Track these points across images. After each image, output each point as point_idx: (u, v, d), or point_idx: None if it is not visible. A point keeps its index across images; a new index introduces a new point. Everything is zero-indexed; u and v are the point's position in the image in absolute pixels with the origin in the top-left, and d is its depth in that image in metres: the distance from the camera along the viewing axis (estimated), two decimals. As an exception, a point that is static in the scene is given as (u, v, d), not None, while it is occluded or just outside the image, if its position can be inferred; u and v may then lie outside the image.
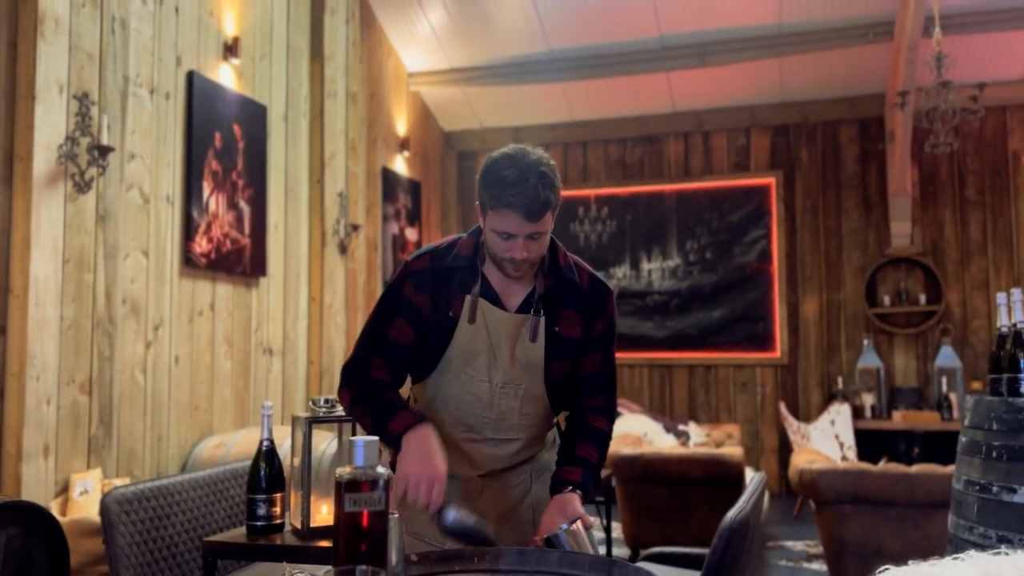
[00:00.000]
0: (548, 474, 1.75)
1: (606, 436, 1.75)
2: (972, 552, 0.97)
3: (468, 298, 1.68)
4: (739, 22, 5.32)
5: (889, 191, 5.72)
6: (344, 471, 1.02)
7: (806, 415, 5.85)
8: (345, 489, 1.00)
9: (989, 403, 2.10)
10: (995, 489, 2.02)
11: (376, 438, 1.09)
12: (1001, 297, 2.27)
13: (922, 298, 5.74)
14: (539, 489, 1.75)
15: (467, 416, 1.69)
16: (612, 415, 1.79)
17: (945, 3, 4.69)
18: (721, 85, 5.86)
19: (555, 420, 1.83)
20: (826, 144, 6.03)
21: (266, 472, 1.92)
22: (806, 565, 3.99)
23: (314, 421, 1.93)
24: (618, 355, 6.81)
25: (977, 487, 2.06)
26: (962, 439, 2.19)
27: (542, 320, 1.69)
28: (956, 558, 0.97)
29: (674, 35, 5.48)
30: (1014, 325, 2.16)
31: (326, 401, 1.99)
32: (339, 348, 4.75)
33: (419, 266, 1.72)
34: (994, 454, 2.03)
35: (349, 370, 1.70)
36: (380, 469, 1.03)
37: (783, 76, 5.76)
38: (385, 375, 1.70)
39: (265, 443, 1.96)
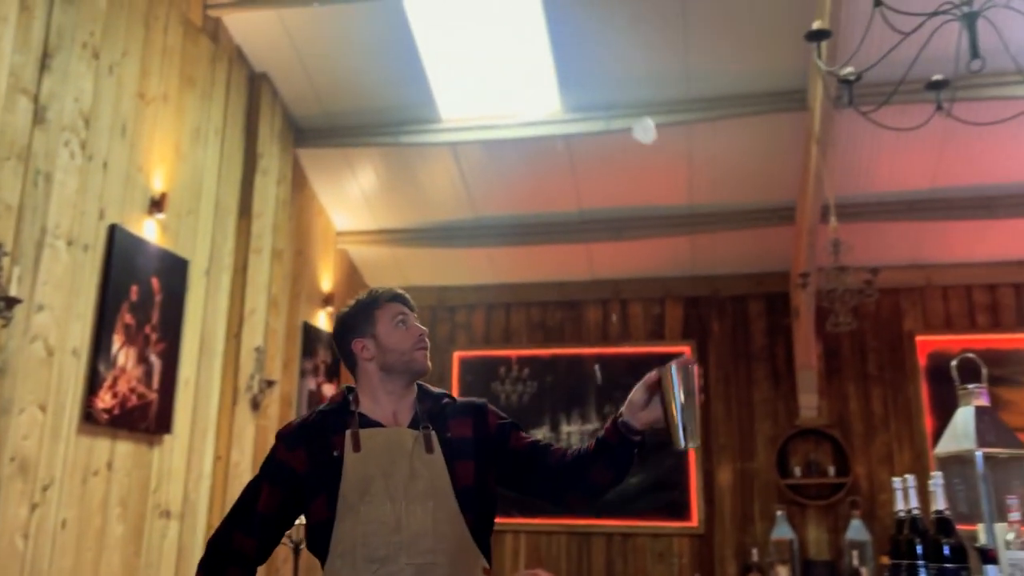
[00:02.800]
0: None
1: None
2: None
3: (348, 431, 1.70)
4: (653, 201, 5.65)
5: (796, 364, 5.96)
6: None
7: (723, 588, 5.76)
8: None
9: (890, 590, 2.13)
10: None
11: None
12: (897, 482, 2.34)
13: (831, 470, 5.86)
14: None
15: (376, 549, 1.61)
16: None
17: (840, 193, 5.09)
18: (637, 257, 6.14)
19: (484, 565, 1.73)
20: (736, 317, 6.30)
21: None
22: None
23: (203, 604, 1.81)
24: (534, 521, 6.60)
25: None
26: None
27: (433, 432, 1.73)
28: None
29: (593, 210, 5.77)
30: (910, 511, 2.23)
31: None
32: (243, 510, 4.52)
33: (287, 429, 1.81)
34: (898, 644, 2.03)
35: (210, 546, 1.71)
36: None
37: (694, 252, 6.07)
38: (243, 549, 1.70)
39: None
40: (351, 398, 1.82)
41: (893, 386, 5.96)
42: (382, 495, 1.64)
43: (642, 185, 5.53)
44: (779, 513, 5.77)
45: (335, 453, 1.69)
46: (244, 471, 4.54)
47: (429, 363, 1.85)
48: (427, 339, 1.85)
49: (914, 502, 2.20)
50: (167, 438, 4.03)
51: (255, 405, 4.67)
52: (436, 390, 1.89)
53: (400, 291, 1.90)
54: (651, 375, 1.67)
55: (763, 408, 6.10)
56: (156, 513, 3.95)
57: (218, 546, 1.74)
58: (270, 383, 4.80)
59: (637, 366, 6.54)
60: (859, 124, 4.79)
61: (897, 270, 5.88)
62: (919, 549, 2.15)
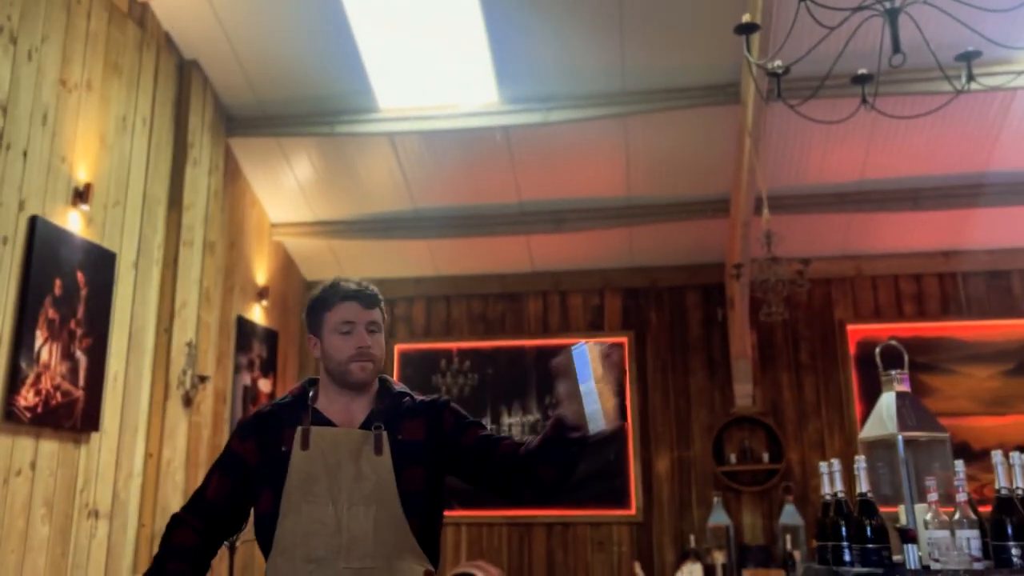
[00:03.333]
0: None
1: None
2: None
3: (299, 428, 1.69)
4: (592, 193, 5.69)
5: (731, 354, 6.07)
6: None
7: (660, 574, 5.85)
8: None
9: (816, 572, 2.19)
10: (826, 660, 2.07)
11: None
12: (823, 466, 2.41)
13: (765, 456, 6.00)
14: None
15: (315, 549, 1.59)
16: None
17: (772, 186, 5.20)
18: (576, 249, 6.17)
19: (428, 568, 1.72)
20: (673, 308, 6.39)
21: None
22: None
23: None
24: (475, 514, 6.59)
25: (810, 657, 2.11)
26: (795, 608, 2.26)
27: (384, 433, 1.71)
28: None
29: (533, 202, 5.78)
30: (835, 494, 2.29)
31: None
32: (175, 508, 4.41)
33: (244, 419, 1.82)
34: (823, 624, 2.10)
35: (167, 528, 1.75)
36: None
37: (633, 243, 6.14)
38: (191, 537, 1.72)
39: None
40: (311, 392, 1.79)
41: (825, 374, 6.13)
42: (325, 495, 1.63)
43: (581, 177, 5.56)
44: (715, 500, 5.89)
45: (283, 448, 1.69)
46: (176, 468, 4.44)
47: (367, 375, 1.76)
48: (372, 351, 1.75)
49: (840, 485, 2.27)
50: (95, 436, 3.91)
51: (187, 401, 4.56)
52: (398, 387, 1.85)
53: (357, 287, 1.79)
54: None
55: (700, 397, 6.21)
56: (84, 513, 3.83)
57: (167, 535, 1.77)
58: (203, 379, 4.70)
59: (577, 357, 6.60)
60: (790, 118, 4.90)
61: (828, 261, 6.04)
62: (843, 530, 2.21)
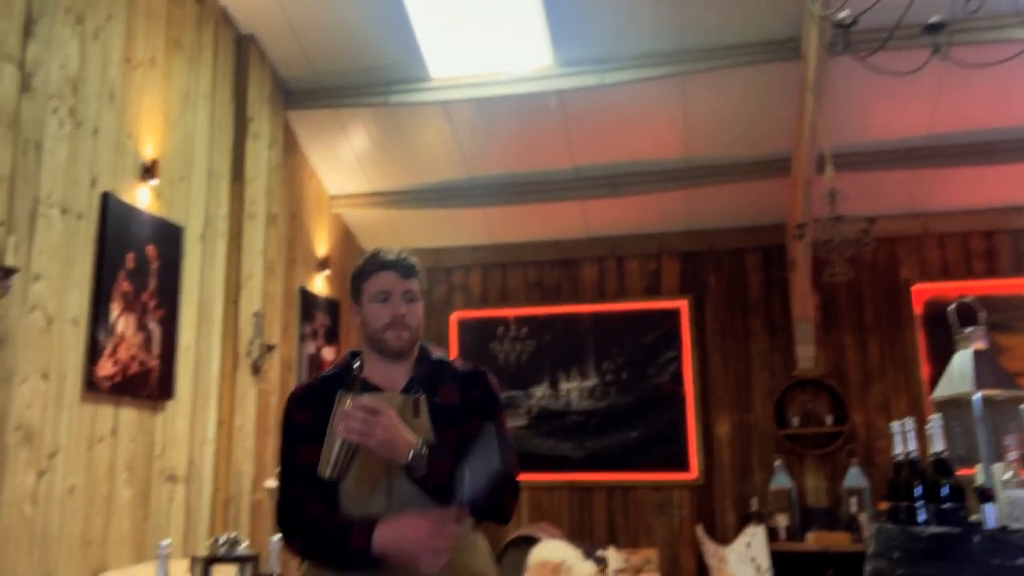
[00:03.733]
0: None
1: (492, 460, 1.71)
2: None
3: (350, 395, 1.73)
4: (648, 156, 5.62)
5: (793, 316, 5.98)
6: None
7: (723, 536, 5.85)
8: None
9: (889, 532, 2.16)
10: (900, 619, 2.05)
11: None
12: (895, 426, 2.38)
13: (828, 419, 5.92)
14: None
15: (369, 509, 1.67)
16: (507, 469, 1.73)
17: (836, 143, 5.07)
18: (632, 213, 6.12)
19: (476, 523, 1.79)
20: (732, 270, 6.31)
21: (159, 619, 1.81)
22: None
23: (213, 561, 1.84)
24: (538, 477, 6.65)
25: (884, 617, 2.10)
26: (867, 567, 2.24)
27: (422, 397, 1.76)
28: None
29: (588, 167, 5.74)
30: (908, 454, 2.26)
31: (227, 539, 1.91)
32: (247, 473, 4.57)
33: (296, 394, 1.86)
34: (897, 583, 2.08)
35: (284, 514, 1.71)
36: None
37: (690, 206, 6.06)
38: (317, 506, 1.72)
39: (160, 587, 1.85)
40: (355, 363, 1.84)
41: (889, 335, 6.00)
42: (375, 458, 1.68)
43: (637, 140, 5.50)
44: (777, 463, 5.84)
45: (334, 418, 1.73)
46: (247, 435, 4.57)
47: (402, 343, 1.79)
48: (407, 319, 1.78)
49: (912, 445, 2.23)
50: (170, 404, 4.05)
51: (256, 370, 4.68)
52: (437, 355, 1.90)
53: (395, 257, 1.83)
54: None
55: (760, 360, 6.14)
56: (162, 477, 3.98)
57: (294, 515, 1.74)
58: (270, 348, 4.82)
59: (633, 323, 6.60)
60: (854, 71, 4.75)
61: (893, 219, 5.88)
62: (918, 491, 2.18)
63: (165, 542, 1.69)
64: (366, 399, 1.63)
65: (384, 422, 1.61)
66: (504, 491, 1.72)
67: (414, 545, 1.55)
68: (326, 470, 1.62)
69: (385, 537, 1.58)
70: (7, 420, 3.06)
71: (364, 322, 1.82)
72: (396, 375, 1.82)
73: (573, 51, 4.91)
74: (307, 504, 1.71)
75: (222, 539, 1.88)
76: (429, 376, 1.82)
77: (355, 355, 1.89)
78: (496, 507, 1.72)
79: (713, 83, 4.99)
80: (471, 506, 1.64)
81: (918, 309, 5.99)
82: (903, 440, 2.28)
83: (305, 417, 1.78)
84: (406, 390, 1.79)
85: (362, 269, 1.84)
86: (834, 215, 4.61)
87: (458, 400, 1.80)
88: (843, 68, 4.59)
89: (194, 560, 1.84)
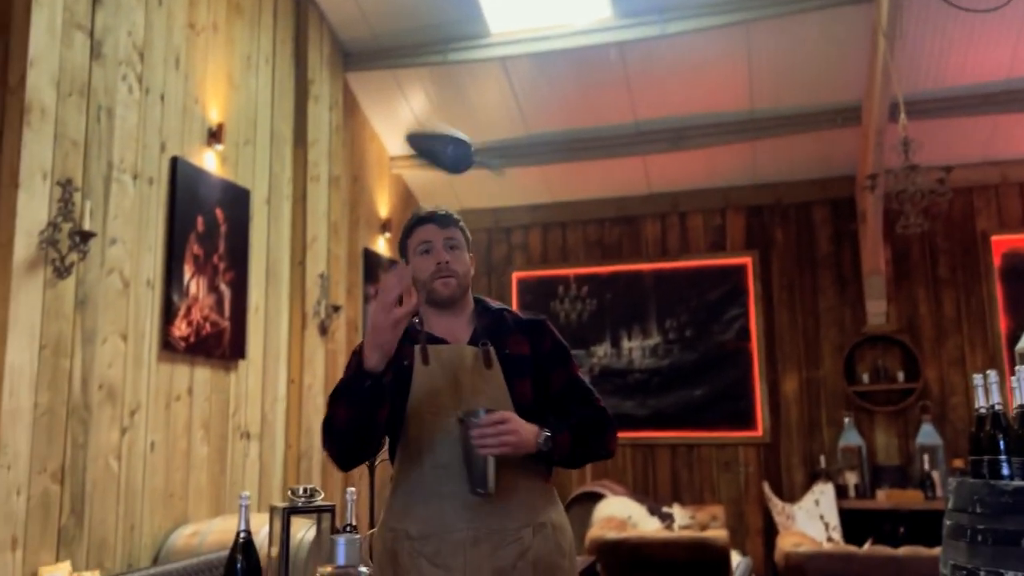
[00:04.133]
0: (550, 530, 1.71)
1: (592, 414, 1.81)
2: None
3: (417, 345, 1.76)
4: (712, 108, 5.48)
5: (863, 270, 5.82)
6: (325, 571, 1.00)
7: (790, 495, 5.80)
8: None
9: (972, 486, 2.10)
10: (982, 574, 2.00)
11: (357, 536, 1.08)
12: (978, 378, 2.29)
13: (900, 375, 5.78)
14: (540, 545, 1.69)
15: (440, 456, 1.69)
16: (601, 411, 1.83)
17: (909, 90, 4.87)
18: (696, 167, 6.00)
19: (548, 475, 1.80)
20: (800, 224, 6.16)
21: (243, 566, 1.87)
22: (796, 652, 3.89)
23: (292, 512, 1.89)
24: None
25: (964, 572, 2.04)
26: (947, 523, 2.18)
27: (491, 348, 1.78)
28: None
29: (649, 120, 5.63)
30: (992, 406, 2.18)
31: (304, 490, 1.95)
32: (317, 431, 4.65)
33: (361, 346, 1.83)
34: (979, 538, 2.02)
35: (327, 423, 1.73)
36: (362, 569, 1.01)
37: (756, 159, 5.91)
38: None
39: (242, 535, 1.91)
40: (417, 318, 1.84)
41: (966, 288, 5.80)
42: (448, 407, 1.71)
43: (700, 91, 5.36)
44: (847, 420, 5.74)
45: (405, 363, 1.75)
46: (316, 393, 4.68)
47: (450, 290, 1.81)
48: (452, 265, 1.81)
49: (996, 398, 2.15)
50: (242, 364, 4.16)
51: (323, 330, 4.77)
52: (495, 305, 1.91)
53: (433, 211, 1.87)
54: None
55: (829, 316, 6.01)
56: (237, 435, 4.11)
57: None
58: (336, 308, 4.90)
59: (697, 280, 6.51)
60: (929, 13, 4.55)
61: (970, 168, 5.65)
62: (1001, 444, 2.11)
63: (245, 493, 1.74)
64: (486, 417, 1.62)
65: (514, 427, 1.63)
66: (609, 431, 1.82)
67: (373, 321, 1.57)
68: (488, 487, 1.62)
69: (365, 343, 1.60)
70: (91, 379, 3.19)
71: (414, 276, 1.82)
72: (457, 328, 1.83)
73: (633, 1, 4.80)
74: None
75: (300, 490, 1.93)
76: (492, 327, 1.83)
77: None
78: (607, 446, 1.81)
79: (779, 29, 4.82)
80: (585, 453, 1.76)
81: (996, 261, 5.77)
82: (986, 393, 2.19)
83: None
84: (473, 342, 1.80)
85: (405, 227, 1.90)
86: (908, 165, 4.45)
87: (528, 351, 1.81)
88: (917, 9, 4.40)
89: (273, 510, 1.90)
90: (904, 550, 3.22)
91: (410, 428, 1.74)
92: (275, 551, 1.89)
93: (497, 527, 1.67)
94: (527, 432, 1.66)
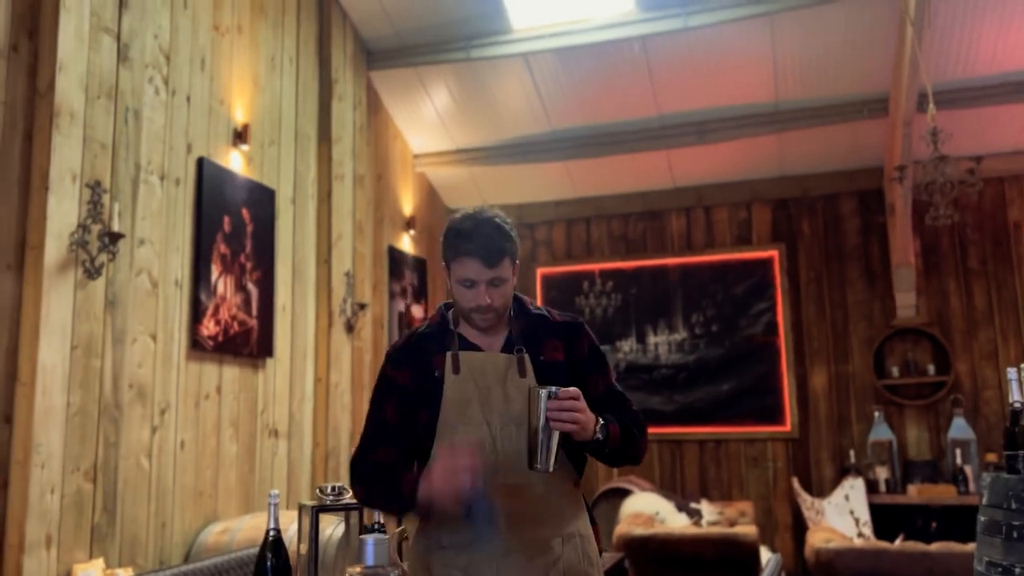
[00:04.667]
0: (579, 540, 1.70)
1: (633, 415, 1.79)
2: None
3: (448, 353, 1.74)
4: (737, 100, 5.44)
5: (892, 262, 5.75)
6: (355, 571, 1.00)
7: (819, 490, 5.74)
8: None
9: (1007, 481, 2.06)
10: (1018, 571, 1.96)
11: (385, 536, 1.08)
12: (1012, 372, 2.25)
13: (931, 369, 5.70)
14: (570, 554, 1.68)
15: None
16: (638, 415, 1.81)
17: (937, 80, 4.80)
18: (721, 161, 5.96)
19: (578, 481, 1.79)
20: (827, 217, 6.09)
21: (273, 563, 1.89)
22: (827, 649, 3.85)
23: (321, 510, 1.90)
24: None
25: (1000, 569, 2.01)
26: (981, 518, 2.14)
27: (526, 356, 1.74)
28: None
29: (673, 114, 5.60)
30: (1027, 400, 2.14)
31: (333, 488, 1.96)
32: (345, 428, 4.71)
33: (393, 347, 1.85)
34: (1015, 535, 1.98)
35: (355, 466, 1.75)
36: (391, 570, 1.01)
37: (782, 151, 5.85)
38: (389, 458, 1.75)
39: (271, 533, 1.92)
40: (449, 316, 1.82)
41: (997, 279, 5.70)
42: (479, 417, 1.69)
43: (724, 84, 5.32)
44: (877, 414, 5.67)
45: (436, 373, 1.73)
46: (344, 391, 4.70)
47: (489, 323, 1.76)
48: (493, 305, 1.71)
49: (1032, 391, 2.11)
50: (269, 362, 4.20)
51: (349, 328, 4.79)
52: (534, 308, 1.84)
53: (478, 235, 1.70)
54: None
55: (857, 309, 5.94)
56: (265, 433, 4.15)
57: (364, 460, 1.79)
58: (362, 306, 4.92)
59: (723, 274, 6.46)
60: (958, 1, 4.48)
61: (1001, 157, 5.56)
62: (1037, 439, 2.07)
63: (274, 492, 1.75)
64: (564, 390, 1.59)
65: (584, 406, 1.61)
66: (645, 436, 1.80)
67: (436, 486, 1.57)
68: (549, 464, 1.59)
69: (423, 486, 1.60)
70: (121, 378, 3.23)
71: (453, 290, 1.80)
72: (492, 332, 1.79)
73: (656, -5, 4.77)
74: (379, 452, 1.76)
75: (328, 488, 1.94)
76: (528, 332, 1.79)
77: (449, 307, 1.87)
78: (642, 450, 1.79)
79: (804, 20, 4.77)
80: (628, 450, 1.73)
81: (1029, 252, 5.67)
82: (1020, 386, 2.15)
83: (399, 375, 1.78)
84: (507, 348, 1.77)
85: (448, 245, 1.75)
86: (937, 155, 4.39)
87: (563, 357, 1.77)
88: (947, -3, 4.32)
89: (302, 508, 1.91)
90: (936, 546, 3.17)
91: (442, 439, 1.72)
92: (304, 548, 1.90)
93: (529, 538, 1.66)
94: (590, 417, 1.63)
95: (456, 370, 1.73)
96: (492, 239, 1.69)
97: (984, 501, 2.17)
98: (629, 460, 1.79)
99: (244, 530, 3.44)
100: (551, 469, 1.60)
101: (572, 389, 1.60)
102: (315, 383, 4.58)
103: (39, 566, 2.78)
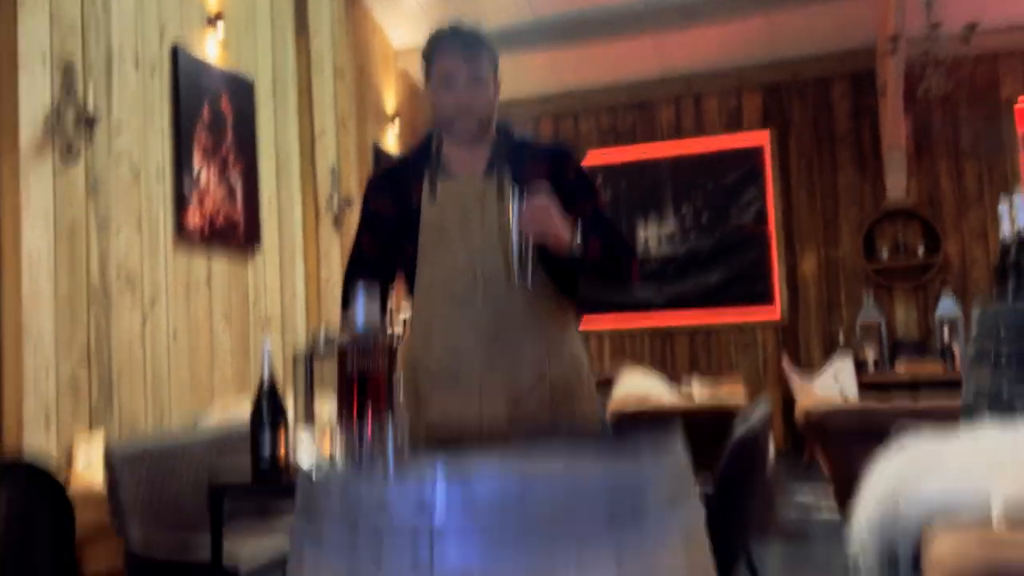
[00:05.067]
0: (568, 358, 1.69)
1: (619, 236, 1.76)
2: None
3: (426, 182, 1.71)
4: (725, -21, 5.29)
5: (883, 145, 5.70)
6: (344, 337, 1.00)
7: (808, 374, 5.83)
8: (347, 352, 0.98)
9: (996, 311, 2.09)
10: (1006, 396, 2.00)
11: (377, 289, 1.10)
12: (1003, 208, 2.25)
13: (920, 250, 5.72)
14: (558, 366, 1.68)
15: (454, 290, 1.66)
16: (624, 242, 1.77)
17: (931, -52, 4.66)
18: (709, 46, 5.83)
19: (567, 304, 1.75)
20: (818, 101, 6.01)
21: (268, 410, 1.90)
22: (815, 515, 3.98)
23: (314, 357, 1.91)
24: (616, 323, 6.62)
25: (988, 396, 2.05)
26: (969, 352, 2.18)
27: (506, 177, 1.70)
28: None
29: (659, -5, 5.44)
30: (1018, 232, 2.15)
31: (327, 340, 1.97)
32: (337, 323, 4.72)
33: (373, 177, 1.85)
34: (1004, 361, 2.01)
35: (343, 292, 1.77)
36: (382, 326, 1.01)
37: (772, 33, 5.72)
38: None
39: (266, 381, 1.93)
40: (434, 140, 1.78)
41: (988, 158, 5.67)
42: (458, 243, 1.67)
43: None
44: (866, 297, 5.72)
45: (413, 205, 1.71)
46: (335, 286, 4.69)
47: (468, 133, 1.70)
48: (475, 106, 1.67)
49: (1021, 220, 2.11)
50: (259, 256, 4.17)
51: (337, 223, 4.75)
52: (519, 135, 1.80)
53: (457, 28, 1.69)
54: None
55: (848, 194, 5.92)
56: (259, 325, 4.15)
57: (344, 291, 1.79)
58: (348, 202, 4.86)
59: (713, 164, 6.39)
60: None
61: (995, 33, 5.44)
62: (1027, 270, 2.08)
63: (268, 339, 1.75)
64: (536, 197, 1.55)
65: (553, 211, 1.56)
66: (633, 256, 1.78)
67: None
68: (526, 274, 1.55)
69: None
70: (108, 266, 3.20)
71: (433, 106, 1.74)
72: (475, 158, 1.74)
73: None
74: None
75: (322, 335, 1.94)
76: (511, 156, 1.74)
77: (436, 132, 1.80)
78: (631, 268, 1.74)
79: None
80: (614, 269, 1.69)
81: (1021, 129, 5.62)
82: (1011, 221, 2.16)
83: (379, 205, 1.77)
84: (489, 172, 1.72)
85: (429, 49, 1.72)
86: (931, 23, 4.30)
87: (546, 179, 1.71)
88: None
89: (296, 356, 1.91)
90: (925, 403, 3.23)
91: (423, 268, 1.71)
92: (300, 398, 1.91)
93: (514, 350, 1.65)
94: (564, 227, 1.57)
95: (433, 199, 1.70)
96: (470, 34, 1.71)
97: (973, 334, 2.20)
98: (614, 280, 1.72)
99: (246, 411, 3.46)
100: (528, 280, 1.57)
101: (541, 195, 1.56)
102: (305, 278, 4.56)
103: (39, 444, 2.80)
